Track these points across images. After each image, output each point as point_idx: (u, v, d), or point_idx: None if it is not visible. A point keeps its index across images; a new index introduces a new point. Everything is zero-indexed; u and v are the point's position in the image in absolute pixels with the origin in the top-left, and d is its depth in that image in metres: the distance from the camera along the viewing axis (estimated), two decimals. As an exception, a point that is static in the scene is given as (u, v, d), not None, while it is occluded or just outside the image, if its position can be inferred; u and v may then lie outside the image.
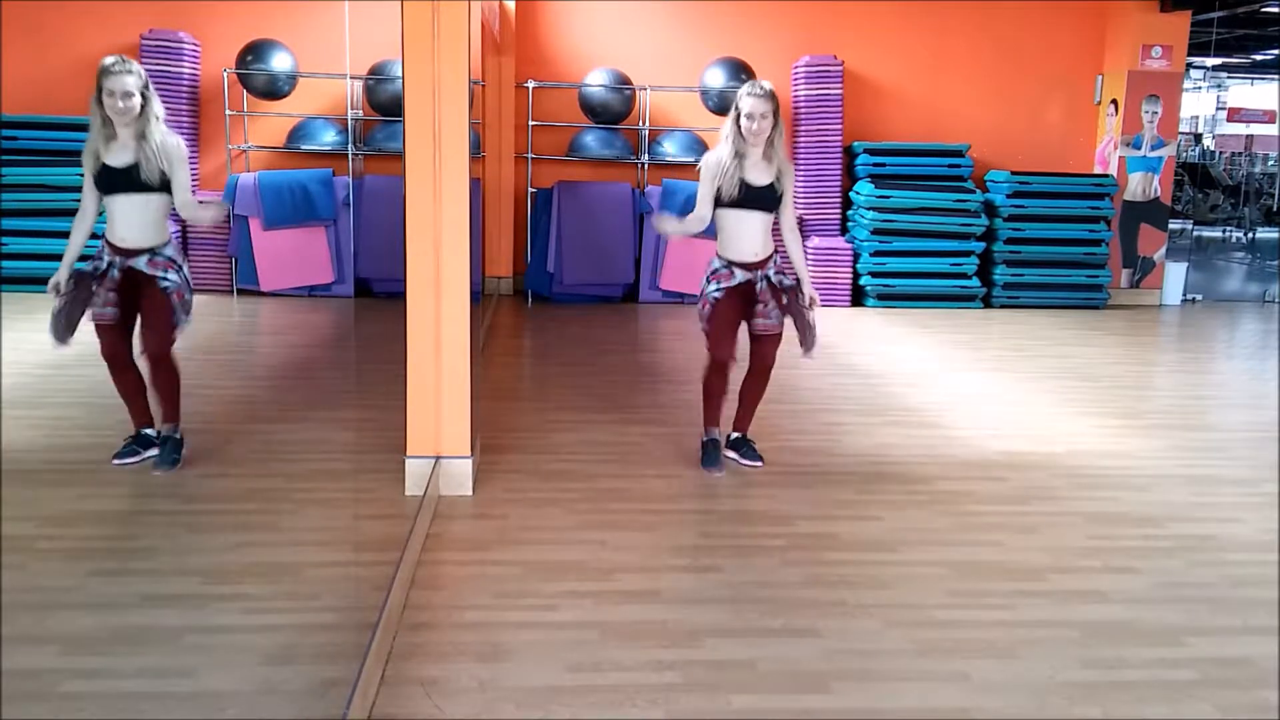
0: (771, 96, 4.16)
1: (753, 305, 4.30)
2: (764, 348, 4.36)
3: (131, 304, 3.90)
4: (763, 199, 4.21)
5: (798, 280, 4.34)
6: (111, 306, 3.86)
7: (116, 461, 3.87)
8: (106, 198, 3.83)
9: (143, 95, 3.74)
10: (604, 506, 3.98)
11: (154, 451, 3.93)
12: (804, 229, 8.92)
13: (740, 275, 4.27)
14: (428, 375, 3.93)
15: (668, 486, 4.23)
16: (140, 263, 3.85)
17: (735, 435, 4.53)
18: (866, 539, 3.74)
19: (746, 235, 4.24)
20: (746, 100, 4.15)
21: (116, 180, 3.77)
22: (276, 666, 2.73)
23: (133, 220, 3.83)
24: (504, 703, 2.60)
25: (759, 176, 4.19)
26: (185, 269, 3.98)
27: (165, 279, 3.87)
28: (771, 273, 4.29)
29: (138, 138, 3.76)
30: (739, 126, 4.16)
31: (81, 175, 6.58)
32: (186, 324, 3.99)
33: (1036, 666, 2.86)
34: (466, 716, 2.54)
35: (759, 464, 4.45)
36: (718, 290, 4.28)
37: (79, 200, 3.94)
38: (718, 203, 4.23)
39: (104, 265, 3.87)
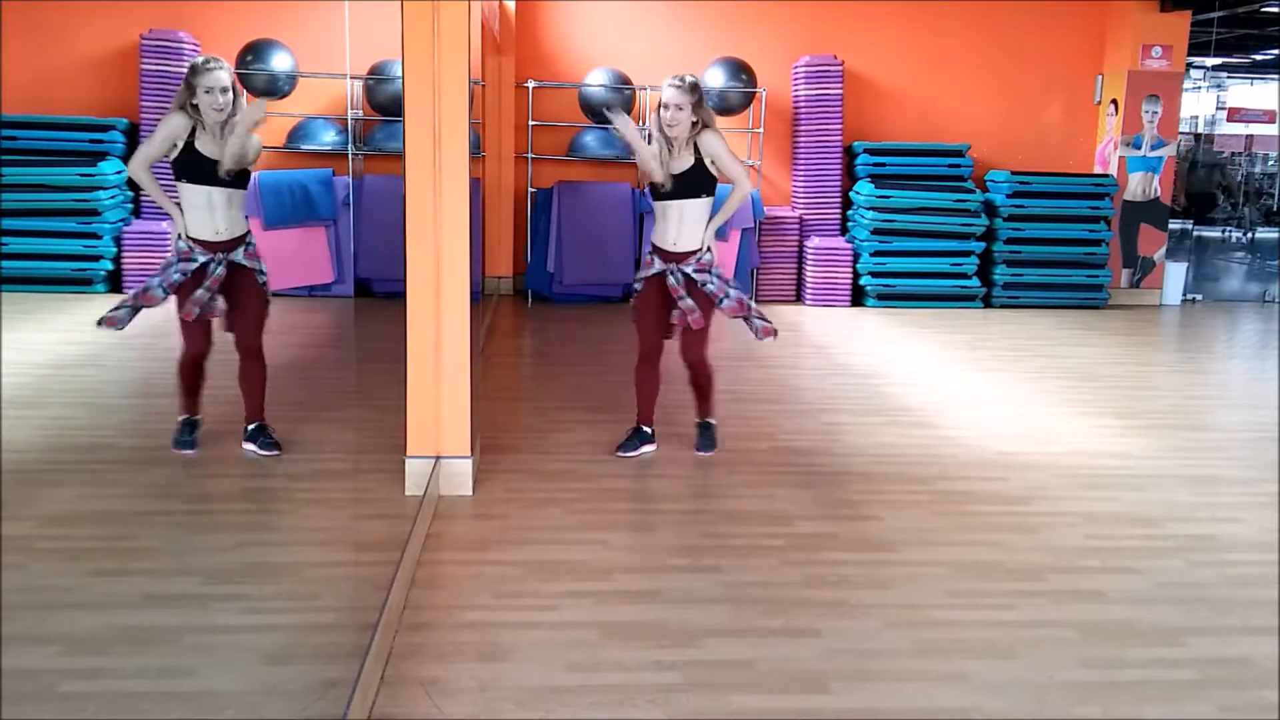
0: (692, 89, 4.15)
1: (669, 298, 4.40)
2: (685, 340, 4.46)
3: (226, 298, 4.05)
4: (688, 185, 4.23)
5: (724, 282, 4.38)
6: (209, 303, 3.98)
7: (180, 451, 4.05)
8: (194, 189, 3.89)
9: (233, 90, 3.85)
10: (604, 506, 3.98)
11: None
12: (804, 229, 8.93)
13: (658, 265, 4.36)
14: (428, 375, 3.93)
15: (668, 486, 4.23)
16: (239, 255, 3.99)
17: (698, 421, 4.68)
18: (866, 539, 3.74)
19: (671, 224, 4.30)
20: (665, 90, 4.18)
21: (208, 171, 3.85)
22: (276, 666, 2.73)
23: (225, 213, 3.94)
24: (504, 703, 2.60)
25: (681, 163, 4.23)
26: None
27: (261, 271, 4.04)
28: (691, 269, 4.32)
29: (227, 132, 3.84)
30: (659, 116, 4.22)
31: (82, 175, 6.58)
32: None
33: (1036, 666, 2.86)
34: (466, 716, 2.54)
35: (708, 453, 4.57)
36: (638, 282, 4.44)
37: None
38: (652, 194, 4.33)
39: (198, 263, 3.94)
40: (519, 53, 8.78)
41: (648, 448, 4.57)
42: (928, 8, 9.11)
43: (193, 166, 3.86)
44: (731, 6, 8.93)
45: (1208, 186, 13.02)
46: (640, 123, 8.75)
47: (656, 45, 8.88)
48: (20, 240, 6.19)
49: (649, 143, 4.25)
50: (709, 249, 4.34)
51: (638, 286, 4.45)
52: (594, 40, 8.87)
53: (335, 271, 8.05)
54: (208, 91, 3.77)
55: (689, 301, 4.32)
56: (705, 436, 4.62)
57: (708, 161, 4.23)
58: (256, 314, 4.12)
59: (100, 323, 3.84)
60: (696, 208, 4.28)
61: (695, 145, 4.20)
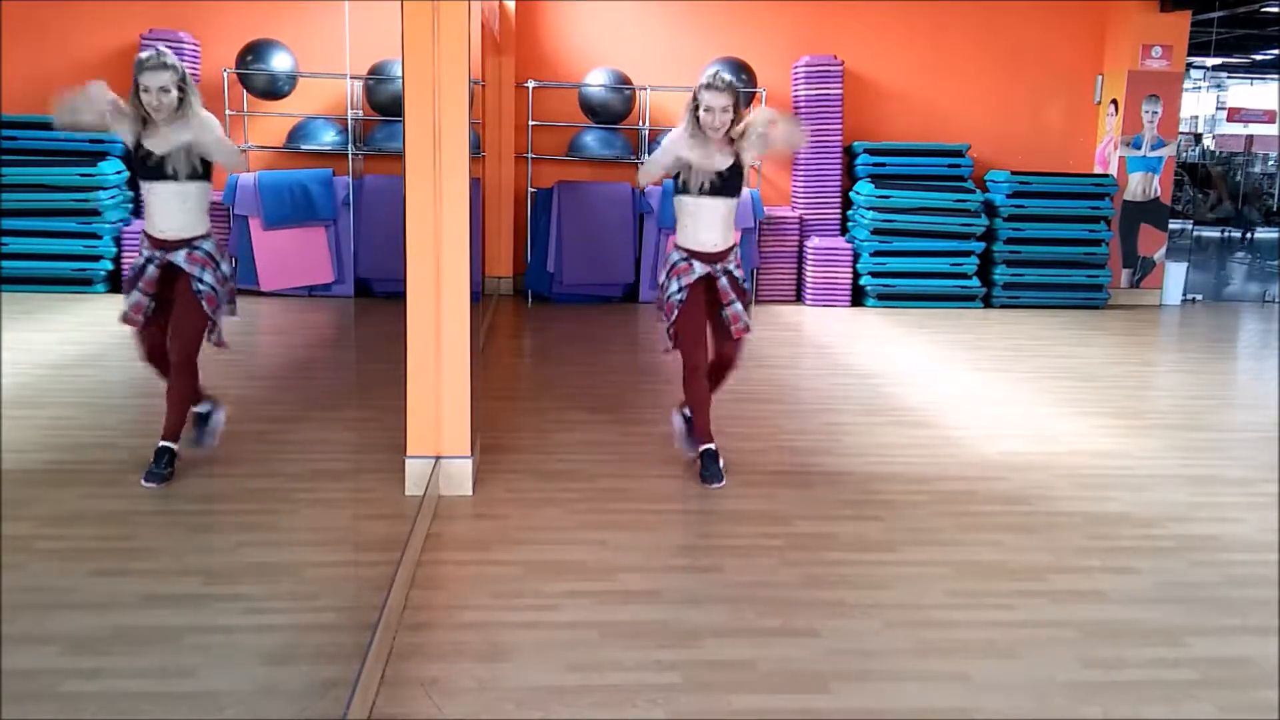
0: (730, 89, 4.04)
1: (716, 301, 4.22)
2: (730, 347, 4.27)
3: (168, 301, 3.85)
4: (729, 184, 4.13)
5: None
6: (146, 302, 3.81)
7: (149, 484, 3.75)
8: (144, 185, 3.79)
9: (180, 89, 3.71)
10: (604, 506, 3.98)
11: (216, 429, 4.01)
12: (804, 229, 8.93)
13: (700, 268, 4.19)
14: (428, 375, 3.93)
15: (668, 486, 4.23)
16: (179, 257, 3.80)
17: (702, 450, 4.29)
18: (866, 539, 3.74)
19: (709, 224, 4.15)
20: (705, 94, 4.03)
21: (152, 167, 3.73)
22: (276, 666, 2.73)
23: (171, 210, 3.78)
24: (504, 703, 2.60)
25: (724, 161, 4.10)
26: (224, 265, 3.93)
27: (200, 280, 3.81)
28: (732, 266, 4.22)
29: (177, 130, 3.71)
30: (697, 120, 4.06)
31: (83, 175, 6.56)
32: (224, 319, 3.93)
33: (1036, 666, 2.86)
34: (466, 716, 2.54)
35: (720, 483, 4.22)
36: (680, 291, 4.19)
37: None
38: (683, 191, 4.15)
39: (141, 260, 3.83)
40: (519, 53, 8.77)
41: (722, 460, 4.30)
42: (928, 8, 9.11)
43: (142, 161, 3.75)
44: (731, 6, 8.93)
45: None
46: (641, 121, 8.79)
47: (656, 45, 8.87)
48: (20, 240, 6.18)
49: (686, 140, 4.10)
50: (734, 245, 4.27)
51: (679, 296, 4.18)
52: (594, 40, 8.87)
53: (335, 271, 8.05)
54: (145, 91, 3.65)
55: (738, 306, 4.21)
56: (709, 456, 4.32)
57: (744, 159, 4.14)
58: (185, 323, 3.84)
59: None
60: (733, 206, 4.20)
61: (735, 147, 4.12)
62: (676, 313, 4.21)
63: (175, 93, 3.69)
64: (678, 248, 4.24)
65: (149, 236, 3.83)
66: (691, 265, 4.19)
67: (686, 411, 4.41)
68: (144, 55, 3.69)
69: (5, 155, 6.27)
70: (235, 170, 3.84)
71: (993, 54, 9.29)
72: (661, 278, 4.31)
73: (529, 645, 2.88)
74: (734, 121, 4.08)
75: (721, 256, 4.21)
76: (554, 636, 2.94)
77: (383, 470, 4.00)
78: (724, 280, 4.20)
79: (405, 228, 3.84)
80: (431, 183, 3.82)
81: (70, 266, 6.39)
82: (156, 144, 3.72)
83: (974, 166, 8.98)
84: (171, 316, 3.85)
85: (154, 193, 3.78)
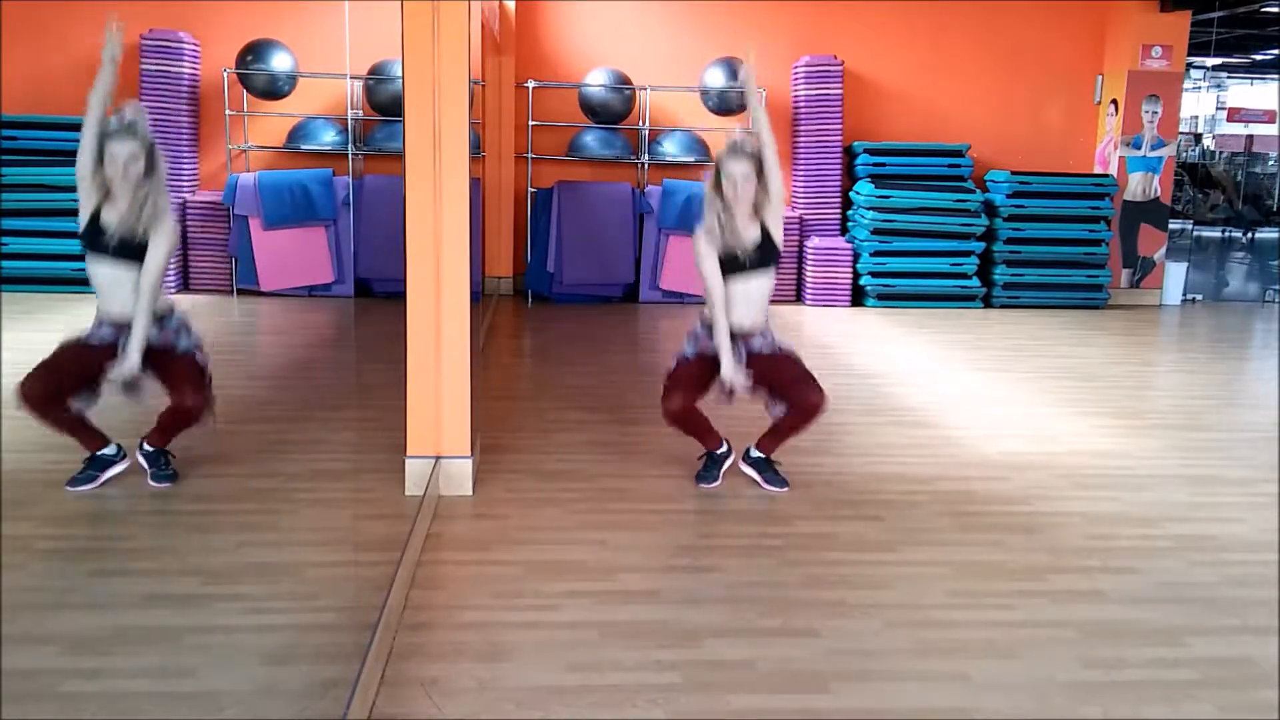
0: (752, 157, 3.88)
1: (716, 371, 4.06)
2: (811, 392, 4.02)
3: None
4: (763, 257, 3.97)
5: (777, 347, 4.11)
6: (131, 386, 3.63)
7: (74, 489, 3.64)
8: (93, 261, 3.55)
9: (149, 158, 3.51)
10: (604, 506, 3.98)
11: (115, 470, 3.76)
12: (804, 229, 8.93)
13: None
14: (428, 375, 3.93)
15: (668, 486, 4.23)
16: (151, 335, 3.64)
17: (757, 455, 4.25)
18: (866, 539, 3.74)
19: (742, 301, 4.00)
20: (726, 163, 3.87)
21: (106, 243, 3.51)
22: (276, 666, 2.73)
23: (125, 291, 3.57)
24: (504, 703, 2.60)
25: (752, 234, 3.95)
26: (196, 332, 3.79)
27: (180, 344, 3.72)
28: (757, 343, 4.04)
29: (136, 204, 3.50)
30: (721, 191, 3.91)
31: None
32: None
33: (1036, 666, 2.86)
34: (466, 716, 2.54)
35: (783, 489, 4.18)
36: (691, 352, 4.10)
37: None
38: (725, 271, 3.96)
39: (108, 339, 3.62)
40: (519, 53, 8.78)
41: (727, 463, 4.27)
42: (928, 8, 9.11)
43: (96, 237, 3.51)
44: (731, 6, 8.93)
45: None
46: (641, 121, 8.78)
47: (656, 45, 8.88)
48: (20, 240, 6.19)
49: (714, 217, 3.94)
50: (766, 321, 4.11)
51: (688, 354, 4.11)
52: (594, 40, 8.87)
53: (335, 271, 8.05)
54: (111, 160, 3.42)
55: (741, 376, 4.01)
56: (773, 471, 4.23)
57: (770, 224, 3.97)
58: (184, 385, 3.72)
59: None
60: (768, 281, 4.03)
61: (760, 216, 3.96)
62: (675, 363, 4.15)
63: (143, 162, 3.49)
64: (702, 321, 4.11)
65: (108, 317, 3.63)
66: (711, 338, 4.06)
67: (754, 452, 4.26)
68: (110, 123, 3.44)
69: (5, 155, 6.28)
70: (150, 273, 3.56)
71: (993, 54, 9.29)
72: (685, 339, 4.21)
73: (529, 645, 2.88)
74: (758, 186, 3.91)
75: (747, 335, 4.04)
76: (554, 636, 2.94)
77: (383, 470, 4.00)
78: (741, 355, 4.03)
79: (405, 228, 3.84)
80: (431, 183, 3.82)
81: (70, 266, 6.38)
82: (114, 218, 3.51)
83: (974, 166, 8.99)
84: (169, 387, 3.73)
85: (105, 272, 3.57)
